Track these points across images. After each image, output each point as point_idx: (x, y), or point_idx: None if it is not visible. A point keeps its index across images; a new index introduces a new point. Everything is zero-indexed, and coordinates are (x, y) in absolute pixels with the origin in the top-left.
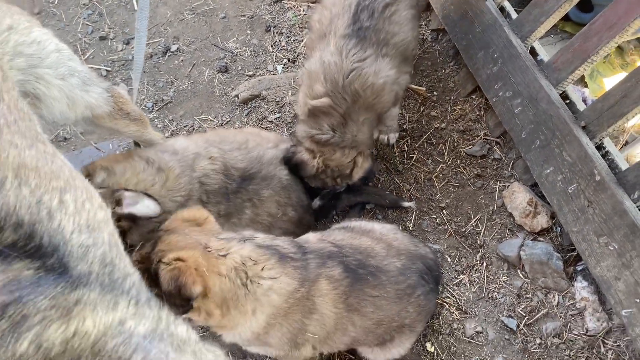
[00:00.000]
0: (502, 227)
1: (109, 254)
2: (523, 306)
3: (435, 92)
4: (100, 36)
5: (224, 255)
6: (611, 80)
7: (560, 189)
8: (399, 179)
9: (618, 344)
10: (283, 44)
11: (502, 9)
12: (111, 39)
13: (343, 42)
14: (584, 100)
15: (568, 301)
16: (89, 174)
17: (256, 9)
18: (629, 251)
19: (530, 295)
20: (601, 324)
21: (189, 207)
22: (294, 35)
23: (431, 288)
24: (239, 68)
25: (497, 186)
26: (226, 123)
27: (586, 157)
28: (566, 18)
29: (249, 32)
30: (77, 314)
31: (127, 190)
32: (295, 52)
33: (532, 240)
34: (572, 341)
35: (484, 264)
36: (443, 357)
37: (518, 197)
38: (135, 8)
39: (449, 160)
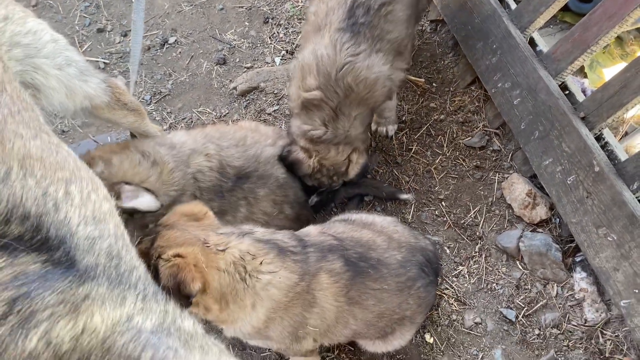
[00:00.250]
0: (501, 218)
1: (115, 246)
2: (522, 297)
3: (434, 84)
4: (98, 28)
5: (223, 250)
6: (611, 71)
7: (559, 180)
8: (398, 170)
9: (617, 334)
10: (281, 35)
11: (501, 0)
12: (109, 31)
13: (337, 35)
14: (584, 91)
15: (567, 292)
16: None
17: (254, 1)
18: (628, 242)
19: (529, 287)
20: (600, 315)
21: (185, 201)
22: (292, 26)
23: (431, 280)
24: (237, 60)
25: (496, 177)
26: (224, 115)
27: (585, 148)
28: (566, 8)
29: (247, 23)
30: (85, 310)
31: (127, 183)
32: (293, 44)
33: (531, 231)
34: (570, 332)
35: (483, 256)
36: (442, 348)
37: (517, 189)
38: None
39: (448, 152)
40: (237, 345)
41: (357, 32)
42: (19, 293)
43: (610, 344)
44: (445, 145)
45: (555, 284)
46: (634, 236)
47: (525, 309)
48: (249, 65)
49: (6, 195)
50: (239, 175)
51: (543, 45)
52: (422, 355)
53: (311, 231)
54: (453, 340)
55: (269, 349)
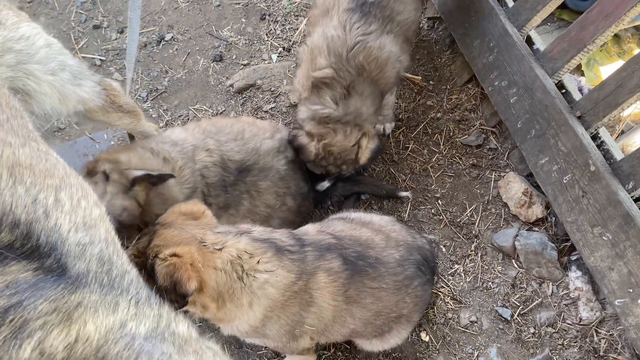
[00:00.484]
0: (497, 217)
1: (106, 251)
2: (517, 296)
3: (431, 82)
4: (94, 25)
5: (220, 249)
6: (608, 69)
7: (555, 179)
8: (395, 169)
9: (611, 333)
10: (278, 32)
11: None
12: (105, 28)
13: (346, 16)
14: (580, 89)
15: (562, 291)
16: (91, 170)
17: None
18: (623, 241)
19: (525, 285)
20: (594, 314)
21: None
22: (289, 23)
23: (427, 279)
24: (234, 57)
25: (493, 176)
26: (221, 113)
27: (581, 147)
28: (563, 6)
29: (243, 20)
30: (78, 318)
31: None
32: (290, 41)
33: (526, 230)
34: (565, 330)
35: (479, 254)
36: (437, 347)
37: (513, 187)
38: None
39: (444, 150)
40: (233, 343)
41: (367, 12)
42: (10, 302)
43: (605, 342)
44: (441, 144)
45: (551, 283)
46: (628, 235)
47: (521, 307)
48: (245, 62)
49: None
50: (241, 169)
51: (540, 43)
52: (417, 354)
53: (309, 230)
54: (448, 338)
55: (266, 347)
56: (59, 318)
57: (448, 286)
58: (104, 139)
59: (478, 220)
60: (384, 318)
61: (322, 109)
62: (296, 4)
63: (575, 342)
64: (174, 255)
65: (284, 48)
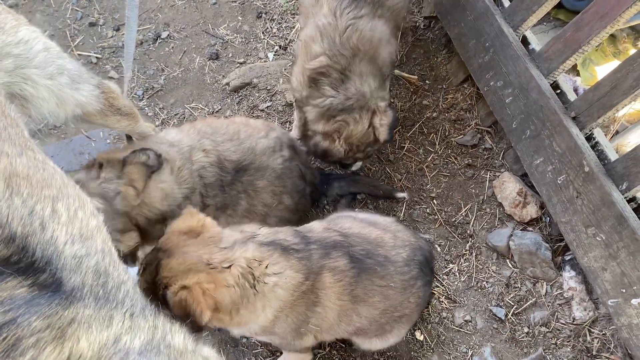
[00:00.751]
0: (491, 216)
1: (102, 263)
2: (511, 295)
3: (427, 81)
4: (90, 22)
5: (229, 267)
6: (603, 69)
7: (549, 180)
8: (390, 168)
9: (604, 332)
10: (274, 30)
11: None
12: (101, 25)
13: (336, 2)
14: (576, 89)
15: (556, 291)
16: (88, 166)
17: None
18: (616, 242)
19: (519, 285)
20: (588, 313)
21: (194, 200)
22: (285, 21)
23: (428, 280)
24: (230, 55)
25: (488, 176)
26: (217, 111)
27: (576, 148)
28: (560, 5)
29: (240, 18)
30: (71, 335)
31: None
32: (287, 39)
33: (521, 230)
34: (559, 330)
35: (474, 254)
36: (432, 346)
37: (508, 187)
38: None
39: (440, 150)
40: (229, 342)
41: None
42: (4, 320)
43: (598, 342)
44: (437, 143)
45: (545, 283)
46: (622, 236)
47: (515, 307)
48: (241, 60)
49: None
50: (237, 169)
51: (535, 43)
52: (412, 353)
53: (315, 227)
54: (443, 337)
55: (261, 346)
56: (52, 335)
57: (443, 285)
58: (99, 137)
59: (473, 219)
60: (388, 317)
61: (323, 101)
62: (292, 2)
63: (568, 342)
64: (184, 287)
65: (280, 46)
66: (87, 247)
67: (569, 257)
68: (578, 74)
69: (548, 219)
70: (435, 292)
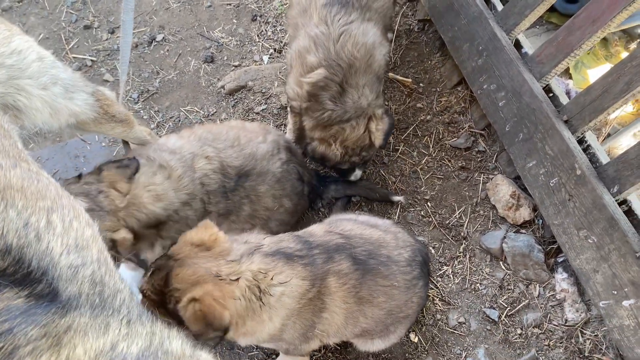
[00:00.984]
0: (485, 219)
1: (99, 272)
2: (505, 297)
3: (421, 84)
4: (85, 25)
5: (237, 279)
6: (595, 72)
7: (542, 182)
8: (385, 171)
9: (596, 334)
10: (269, 33)
11: (487, 1)
12: (96, 28)
13: (326, 10)
14: (568, 93)
15: (548, 292)
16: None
17: None
18: (608, 244)
19: (512, 287)
20: (580, 315)
21: (195, 206)
22: (280, 24)
23: (426, 282)
24: (225, 58)
25: (481, 178)
26: (212, 114)
27: (567, 151)
28: (552, 9)
29: (235, 21)
30: (67, 342)
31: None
32: (281, 42)
33: (514, 232)
34: (551, 331)
35: (467, 256)
36: (426, 347)
37: (501, 190)
38: None
39: (434, 153)
40: (224, 344)
41: (346, 3)
42: (1, 330)
43: (590, 343)
44: (431, 146)
45: (537, 285)
46: (613, 239)
47: (508, 308)
48: (236, 63)
49: None
50: (240, 175)
51: (528, 47)
52: (406, 355)
53: (316, 231)
54: (437, 339)
55: (257, 349)
56: (49, 343)
57: (437, 287)
58: (95, 140)
59: (467, 222)
60: (393, 317)
61: (322, 114)
62: (287, 4)
63: (561, 343)
64: (193, 300)
65: (275, 49)
66: (82, 257)
67: (561, 259)
68: (570, 77)
69: (541, 221)
70: (429, 294)
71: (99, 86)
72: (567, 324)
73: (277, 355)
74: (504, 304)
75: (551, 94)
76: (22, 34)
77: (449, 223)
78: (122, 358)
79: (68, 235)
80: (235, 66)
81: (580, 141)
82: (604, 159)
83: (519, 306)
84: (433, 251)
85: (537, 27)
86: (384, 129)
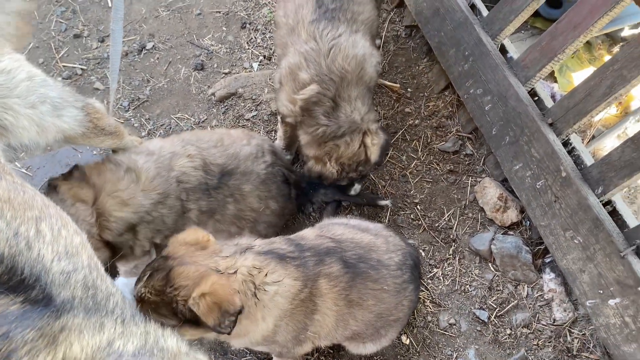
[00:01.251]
0: (473, 221)
1: (90, 277)
2: (494, 298)
3: (409, 89)
4: (75, 34)
5: (234, 272)
6: (580, 75)
7: (528, 185)
8: (374, 175)
9: (583, 332)
10: (259, 40)
11: (472, 7)
12: (85, 37)
13: (313, 27)
14: (553, 96)
15: (536, 293)
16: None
17: (231, 6)
18: (593, 244)
19: (501, 288)
20: (567, 314)
21: (170, 204)
22: (269, 32)
23: (417, 285)
24: (215, 65)
25: (469, 181)
26: (203, 121)
27: (553, 154)
28: (536, 14)
29: (224, 28)
30: (63, 340)
31: None
32: (271, 49)
33: (502, 234)
34: (540, 331)
35: (457, 258)
36: (418, 349)
37: (489, 192)
38: (109, 5)
39: (422, 157)
40: (218, 350)
41: (332, 18)
42: None
43: (578, 342)
44: (420, 150)
45: (526, 285)
46: (598, 239)
47: (497, 309)
48: (227, 70)
49: None
50: (223, 172)
51: (513, 52)
52: (398, 356)
53: (307, 234)
54: (428, 341)
55: (250, 353)
56: (45, 342)
57: (427, 290)
58: (86, 148)
59: (456, 224)
60: (384, 320)
61: (316, 129)
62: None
63: (549, 342)
64: (204, 294)
65: (264, 57)
66: (73, 263)
67: (548, 260)
68: (556, 81)
69: (528, 222)
70: (420, 296)
71: (89, 99)
72: (555, 324)
73: (271, 359)
74: (493, 304)
75: (536, 98)
76: (13, 53)
77: (439, 226)
78: (118, 354)
79: (58, 243)
80: (226, 73)
81: (565, 143)
82: (589, 161)
83: (508, 307)
84: (423, 254)
85: (522, 32)
86: (379, 143)
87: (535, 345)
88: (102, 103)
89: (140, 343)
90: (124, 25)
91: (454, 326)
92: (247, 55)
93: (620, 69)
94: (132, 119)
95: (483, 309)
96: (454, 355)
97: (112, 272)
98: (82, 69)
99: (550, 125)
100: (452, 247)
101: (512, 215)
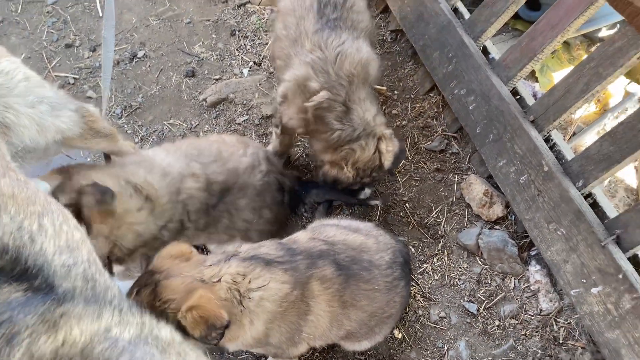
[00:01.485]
0: (461, 217)
1: (89, 271)
2: (482, 291)
3: (395, 91)
4: (66, 44)
5: (218, 281)
6: (560, 74)
7: (512, 180)
8: None
9: (569, 321)
10: (248, 47)
11: (455, 10)
12: (77, 47)
13: (317, 37)
14: (535, 95)
15: (523, 284)
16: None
17: (220, 14)
18: (575, 235)
19: (489, 281)
20: (553, 304)
21: (171, 227)
22: (258, 38)
23: (408, 280)
24: (206, 72)
25: (456, 179)
26: (195, 127)
27: (535, 150)
28: (517, 16)
29: (214, 36)
30: (63, 325)
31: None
32: (260, 55)
33: (489, 228)
34: (527, 321)
35: (446, 253)
36: (410, 343)
37: (475, 189)
38: (100, 15)
39: (410, 156)
40: (215, 350)
41: (335, 27)
42: (3, 318)
43: (564, 331)
44: (407, 150)
45: (513, 277)
46: (580, 230)
47: (486, 302)
48: (217, 77)
49: None
50: (223, 191)
51: (495, 53)
52: (391, 351)
53: (300, 238)
54: (420, 334)
55: (246, 352)
56: (46, 327)
57: (418, 284)
58: (80, 155)
59: (444, 221)
60: (377, 318)
61: (331, 134)
62: (265, 19)
63: (536, 332)
64: (191, 308)
65: (254, 62)
66: (74, 257)
67: (534, 252)
68: (537, 80)
69: (513, 217)
70: (411, 291)
71: (83, 103)
72: (541, 314)
73: (267, 359)
74: (482, 297)
75: (518, 96)
76: (10, 56)
77: (427, 222)
78: (115, 339)
79: (59, 238)
80: (216, 79)
81: (547, 140)
82: (569, 156)
83: (496, 299)
84: (413, 250)
85: (504, 33)
86: (394, 151)
87: (523, 335)
88: (95, 108)
89: (136, 332)
90: (116, 34)
91: (445, 319)
92: (237, 61)
93: (596, 66)
94: (125, 126)
95: (472, 302)
96: (445, 347)
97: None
98: (74, 78)
99: (532, 122)
100: (441, 243)
101: (497, 210)
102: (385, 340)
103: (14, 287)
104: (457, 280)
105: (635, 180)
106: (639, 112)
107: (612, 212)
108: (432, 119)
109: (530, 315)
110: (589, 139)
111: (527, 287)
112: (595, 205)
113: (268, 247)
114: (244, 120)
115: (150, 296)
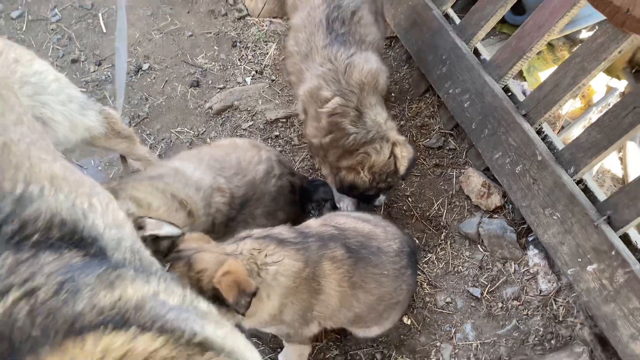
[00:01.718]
0: (461, 208)
1: (135, 246)
2: (485, 276)
3: (393, 94)
4: (72, 59)
5: (240, 254)
6: (546, 74)
7: (508, 170)
8: None
9: (567, 300)
10: (250, 57)
11: (446, 16)
12: (82, 61)
13: (327, 51)
14: (524, 93)
15: (523, 268)
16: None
17: (221, 26)
18: (570, 218)
19: (491, 266)
20: (552, 285)
21: None
22: (259, 48)
23: (414, 270)
24: (210, 82)
25: (454, 173)
26: (202, 134)
27: (528, 141)
28: (503, 21)
29: (216, 48)
30: (119, 285)
31: (150, 217)
32: (261, 64)
33: (488, 217)
34: (528, 302)
35: (448, 243)
36: (419, 328)
37: (473, 181)
38: (104, 30)
39: None
40: None
41: (343, 41)
42: (65, 277)
43: (563, 309)
44: None
45: (513, 262)
46: (574, 213)
47: (489, 286)
48: (221, 86)
49: (44, 208)
50: (242, 203)
51: (486, 54)
52: (401, 336)
53: (311, 223)
54: (428, 319)
55: (263, 344)
56: (104, 285)
57: (424, 273)
58: (91, 165)
59: (445, 213)
60: (385, 304)
61: (346, 139)
62: (264, 30)
63: (537, 312)
64: (226, 273)
65: (256, 71)
66: (121, 233)
67: (531, 238)
68: (524, 80)
69: (511, 205)
70: (417, 280)
71: (104, 106)
72: (541, 294)
73: (282, 348)
74: (484, 282)
75: (510, 93)
76: (39, 59)
77: (429, 215)
78: (163, 303)
79: (107, 216)
80: (221, 88)
81: (539, 132)
82: (560, 146)
83: (498, 283)
84: (417, 241)
85: (492, 37)
86: (409, 157)
87: (525, 315)
88: (115, 111)
89: (180, 300)
90: None
91: (450, 304)
92: (239, 70)
93: (582, 61)
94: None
95: (476, 287)
96: (453, 331)
97: None
98: (82, 91)
99: (524, 116)
100: (443, 234)
101: (495, 200)
102: (395, 327)
103: (74, 252)
104: (460, 267)
105: (621, 171)
106: (622, 102)
107: (602, 196)
108: (428, 118)
109: (530, 296)
110: (576, 132)
111: (526, 270)
112: (586, 191)
113: (280, 229)
114: (249, 126)
115: (184, 267)
